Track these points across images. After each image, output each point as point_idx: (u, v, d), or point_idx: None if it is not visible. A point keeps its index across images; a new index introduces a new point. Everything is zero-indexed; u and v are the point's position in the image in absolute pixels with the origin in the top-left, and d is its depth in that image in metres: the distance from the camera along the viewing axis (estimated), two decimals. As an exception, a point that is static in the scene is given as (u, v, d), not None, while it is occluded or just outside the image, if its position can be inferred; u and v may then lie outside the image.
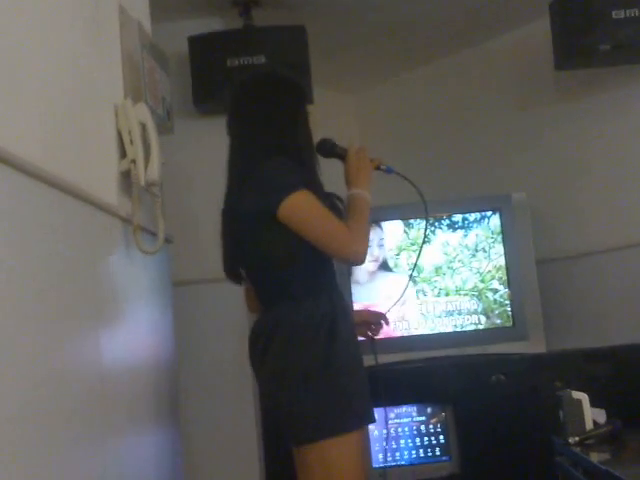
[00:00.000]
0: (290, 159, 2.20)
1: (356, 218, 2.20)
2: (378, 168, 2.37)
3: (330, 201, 2.23)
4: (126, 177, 2.16)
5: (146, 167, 2.16)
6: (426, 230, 2.64)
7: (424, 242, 2.54)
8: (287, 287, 2.20)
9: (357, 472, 2.14)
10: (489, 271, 3.44)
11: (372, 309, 2.63)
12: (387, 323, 2.55)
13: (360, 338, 2.36)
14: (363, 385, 2.18)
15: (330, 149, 2.37)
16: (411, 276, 2.73)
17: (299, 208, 2.13)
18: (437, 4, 3.56)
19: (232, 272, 2.34)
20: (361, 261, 2.23)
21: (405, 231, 3.43)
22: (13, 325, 1.44)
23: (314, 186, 2.20)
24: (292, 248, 2.16)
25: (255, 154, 2.21)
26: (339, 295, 2.30)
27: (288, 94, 2.31)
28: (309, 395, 2.10)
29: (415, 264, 2.62)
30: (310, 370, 2.11)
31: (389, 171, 2.38)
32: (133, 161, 2.14)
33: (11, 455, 1.40)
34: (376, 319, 2.52)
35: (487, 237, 3.45)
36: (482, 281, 3.43)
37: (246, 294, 2.42)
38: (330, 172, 2.34)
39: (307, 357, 2.12)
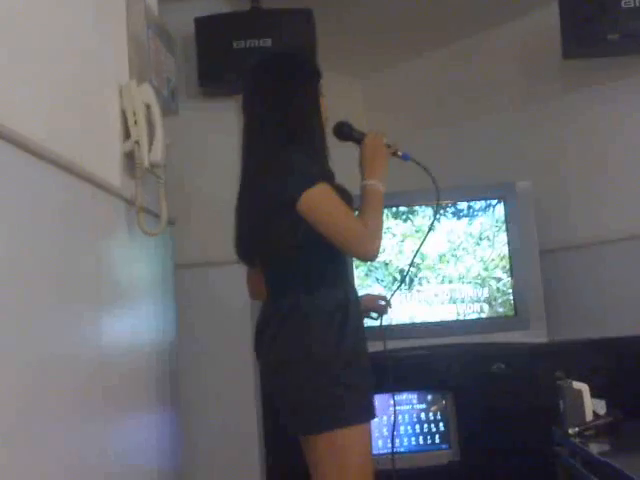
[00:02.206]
0: (307, 144, 2.19)
1: (371, 214, 2.18)
2: (395, 154, 2.34)
3: (340, 192, 2.20)
4: (130, 158, 2.15)
5: (150, 148, 2.15)
6: (434, 219, 2.61)
7: (430, 230, 2.50)
8: (303, 275, 2.18)
9: (368, 462, 2.15)
10: (493, 260, 3.43)
11: (373, 294, 2.62)
12: (390, 306, 2.55)
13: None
14: (370, 380, 2.18)
15: (348, 133, 2.34)
16: (412, 263, 2.70)
17: (319, 202, 2.11)
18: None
19: (246, 256, 2.32)
20: (374, 258, 2.22)
21: (409, 218, 3.42)
22: (14, 306, 1.44)
23: (328, 175, 2.19)
24: (311, 237, 2.13)
25: (276, 138, 2.18)
26: (352, 287, 2.29)
27: (306, 80, 2.27)
28: (321, 383, 2.09)
29: (417, 251, 2.57)
30: (322, 358, 2.10)
31: (405, 158, 2.34)
32: (137, 142, 2.13)
33: (13, 436, 1.39)
34: (378, 306, 2.52)
35: (491, 225, 3.44)
36: (486, 269, 3.42)
37: (248, 279, 2.41)
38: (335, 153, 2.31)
39: (319, 345, 2.11)
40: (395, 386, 2.40)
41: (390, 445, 2.56)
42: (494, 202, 3.45)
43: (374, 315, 2.53)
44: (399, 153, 2.34)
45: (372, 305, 2.52)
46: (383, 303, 2.55)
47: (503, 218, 3.44)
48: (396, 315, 3.31)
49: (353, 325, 2.17)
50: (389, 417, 2.48)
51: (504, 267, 3.41)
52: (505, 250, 3.42)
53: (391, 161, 2.36)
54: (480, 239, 3.43)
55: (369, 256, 2.21)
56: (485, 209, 3.45)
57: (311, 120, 2.23)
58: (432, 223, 2.51)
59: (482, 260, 3.42)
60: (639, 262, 3.38)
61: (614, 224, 3.48)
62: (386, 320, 2.59)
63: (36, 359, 1.52)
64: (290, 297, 2.17)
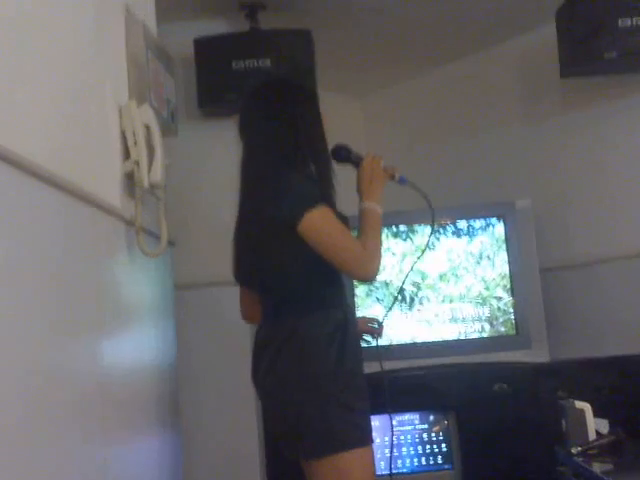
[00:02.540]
0: (308, 166, 2.20)
1: (370, 235, 2.18)
2: (392, 178, 2.34)
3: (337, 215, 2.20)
4: (129, 179, 2.15)
5: (150, 169, 2.15)
6: (429, 240, 2.60)
7: (424, 251, 2.53)
8: (302, 297, 2.18)
9: None
10: (493, 279, 3.42)
11: (367, 317, 2.61)
12: (382, 329, 2.53)
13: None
14: (367, 402, 2.17)
15: (346, 156, 2.35)
16: (404, 283, 2.71)
17: (319, 224, 2.11)
18: (443, 10, 3.55)
19: (245, 278, 2.32)
20: (373, 280, 2.23)
21: (409, 237, 3.42)
22: (15, 327, 1.43)
23: (329, 198, 2.19)
24: (310, 259, 2.14)
25: (277, 161, 2.18)
26: (350, 308, 2.28)
27: (305, 102, 2.29)
28: (321, 406, 2.09)
29: (408, 272, 2.58)
30: (321, 382, 2.10)
31: (402, 182, 2.36)
32: (137, 163, 2.13)
33: (12, 455, 1.38)
34: (372, 329, 2.51)
35: (492, 244, 3.44)
36: (487, 289, 3.41)
37: (241, 301, 2.40)
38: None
39: (319, 367, 2.11)
40: (396, 406, 2.39)
41: (392, 466, 2.55)
42: (493, 221, 3.45)
43: (368, 338, 2.51)
44: (396, 176, 2.35)
45: (365, 328, 2.50)
46: (376, 326, 2.54)
47: (503, 237, 3.43)
48: (397, 335, 3.31)
49: (352, 346, 2.17)
50: (390, 438, 2.47)
51: (505, 286, 3.41)
52: (506, 269, 3.41)
53: (391, 181, 2.36)
54: (480, 258, 3.43)
55: (368, 277, 2.21)
56: (485, 228, 3.45)
57: (313, 142, 2.24)
58: (427, 244, 2.53)
59: (483, 279, 3.42)
60: (638, 281, 3.38)
61: (615, 242, 3.48)
62: (387, 340, 2.58)
63: (36, 380, 1.51)
64: (290, 319, 2.17)
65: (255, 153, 2.25)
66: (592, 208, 3.59)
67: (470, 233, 3.44)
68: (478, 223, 3.45)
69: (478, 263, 3.42)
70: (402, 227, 3.43)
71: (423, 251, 2.53)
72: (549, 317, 3.40)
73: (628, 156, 3.49)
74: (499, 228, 3.44)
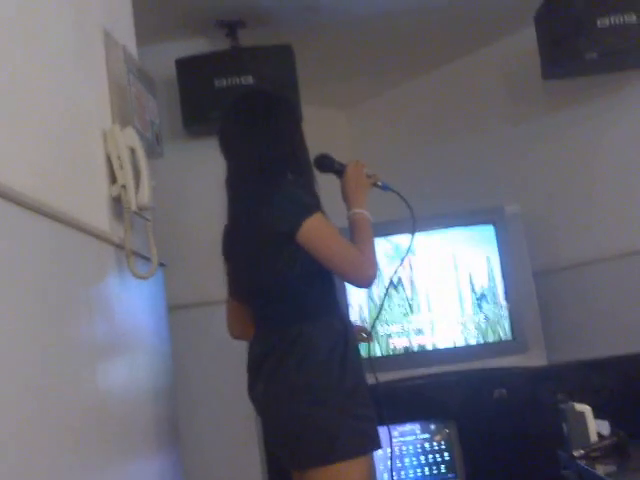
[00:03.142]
0: (298, 175, 2.21)
1: (365, 241, 2.19)
2: (375, 185, 2.35)
3: None
4: (117, 202, 2.14)
5: (137, 192, 2.14)
6: (409, 247, 2.59)
7: (404, 257, 2.53)
8: (301, 306, 2.18)
9: None
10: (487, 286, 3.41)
11: (357, 326, 2.61)
12: (370, 339, 2.53)
13: None
14: (371, 408, 2.16)
15: (329, 165, 2.36)
16: (387, 291, 2.70)
17: (318, 232, 2.12)
18: (423, 18, 3.57)
19: (242, 291, 2.31)
20: (371, 284, 2.23)
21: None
22: (7, 354, 1.42)
23: (320, 204, 2.19)
24: (308, 267, 2.14)
25: (268, 171, 2.18)
26: (346, 314, 2.27)
27: (285, 112, 2.30)
28: (323, 416, 2.08)
29: (390, 282, 2.57)
30: (324, 391, 2.09)
31: (385, 188, 2.38)
32: (123, 186, 2.12)
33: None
34: (361, 340, 2.50)
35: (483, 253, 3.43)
36: (481, 295, 3.41)
37: (230, 318, 2.40)
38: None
39: (322, 378, 2.10)
40: (396, 417, 2.38)
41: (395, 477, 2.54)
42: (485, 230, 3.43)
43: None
44: (379, 183, 2.37)
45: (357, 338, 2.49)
46: (366, 335, 2.53)
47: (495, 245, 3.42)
48: (394, 344, 3.29)
49: (353, 354, 2.17)
50: (393, 449, 2.45)
51: (498, 292, 3.40)
52: (499, 274, 3.41)
53: (372, 191, 2.36)
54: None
55: (367, 282, 2.22)
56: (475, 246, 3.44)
57: (300, 151, 2.26)
58: (407, 250, 2.52)
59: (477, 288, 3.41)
60: (633, 279, 3.38)
61: (606, 242, 3.48)
62: (384, 350, 2.57)
63: (31, 404, 1.50)
64: (292, 326, 2.15)
65: (241, 166, 2.25)
66: (579, 209, 3.60)
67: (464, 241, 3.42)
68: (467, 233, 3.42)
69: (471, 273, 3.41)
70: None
71: (403, 258, 2.52)
72: (543, 321, 3.40)
73: (612, 154, 3.51)
74: (490, 236, 3.42)
